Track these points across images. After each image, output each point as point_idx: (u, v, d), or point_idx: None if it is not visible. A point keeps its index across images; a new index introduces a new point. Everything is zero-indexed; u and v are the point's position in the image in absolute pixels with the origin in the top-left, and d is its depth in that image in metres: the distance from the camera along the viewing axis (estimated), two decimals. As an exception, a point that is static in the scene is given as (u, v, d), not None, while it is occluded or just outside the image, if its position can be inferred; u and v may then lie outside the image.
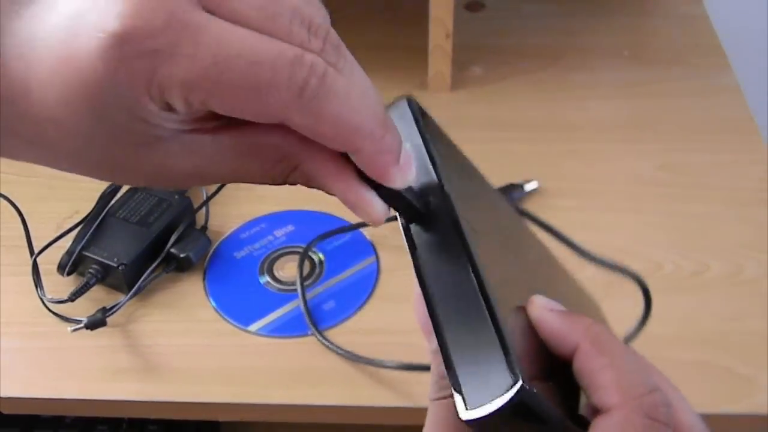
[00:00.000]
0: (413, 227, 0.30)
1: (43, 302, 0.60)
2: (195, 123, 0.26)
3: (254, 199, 0.69)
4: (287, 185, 0.29)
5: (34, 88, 0.25)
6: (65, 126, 0.25)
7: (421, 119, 0.34)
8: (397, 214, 0.30)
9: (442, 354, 0.27)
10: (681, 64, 0.83)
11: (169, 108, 0.25)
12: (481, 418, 0.25)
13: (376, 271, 0.63)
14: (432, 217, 0.30)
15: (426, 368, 0.55)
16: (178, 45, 0.24)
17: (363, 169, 0.27)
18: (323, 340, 0.58)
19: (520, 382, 0.25)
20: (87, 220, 0.63)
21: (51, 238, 0.62)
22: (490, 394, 0.25)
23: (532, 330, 0.29)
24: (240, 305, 0.61)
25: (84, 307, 0.60)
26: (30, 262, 0.61)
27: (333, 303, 0.61)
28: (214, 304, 0.61)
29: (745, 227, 0.66)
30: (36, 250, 0.62)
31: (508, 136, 0.75)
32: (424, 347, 0.57)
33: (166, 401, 0.56)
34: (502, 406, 0.25)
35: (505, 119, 0.77)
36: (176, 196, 0.66)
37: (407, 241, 0.30)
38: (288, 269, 0.63)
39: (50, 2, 0.25)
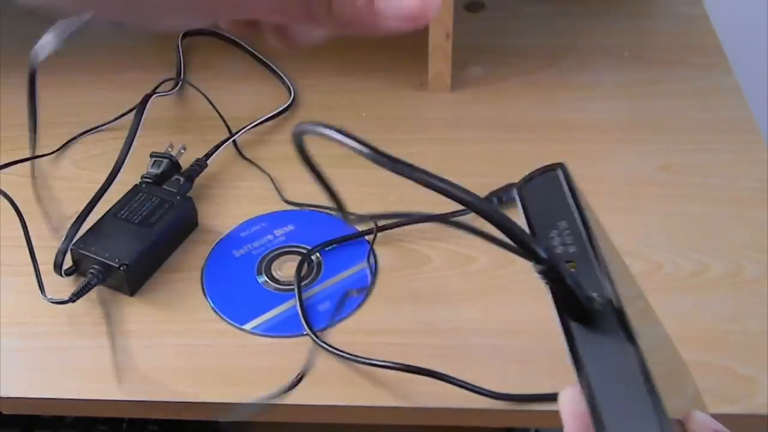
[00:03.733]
0: (572, 322, 0.30)
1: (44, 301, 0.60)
2: None
3: (254, 198, 0.69)
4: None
5: None
6: None
7: (576, 191, 0.33)
8: (555, 308, 0.30)
9: None
10: (681, 64, 0.83)
11: None
12: None
13: (374, 273, 0.63)
14: (596, 316, 0.30)
15: (419, 371, 0.55)
16: None
17: None
18: (318, 341, 0.58)
19: None
20: (77, 218, 0.63)
21: (51, 239, 0.62)
22: None
23: None
24: (237, 303, 0.61)
25: (85, 308, 0.60)
26: (30, 261, 0.62)
27: (329, 303, 0.61)
28: (211, 302, 0.61)
29: (745, 227, 0.66)
30: (36, 250, 0.62)
31: (508, 136, 0.75)
32: (420, 348, 0.57)
33: (166, 401, 0.56)
34: None
35: (505, 119, 0.77)
36: (178, 197, 0.66)
37: (567, 339, 0.30)
38: (286, 269, 0.63)
39: None
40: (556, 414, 0.33)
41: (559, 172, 0.33)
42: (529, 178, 0.34)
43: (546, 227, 0.32)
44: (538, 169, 0.34)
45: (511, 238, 0.29)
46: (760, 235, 0.65)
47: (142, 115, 0.70)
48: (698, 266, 0.63)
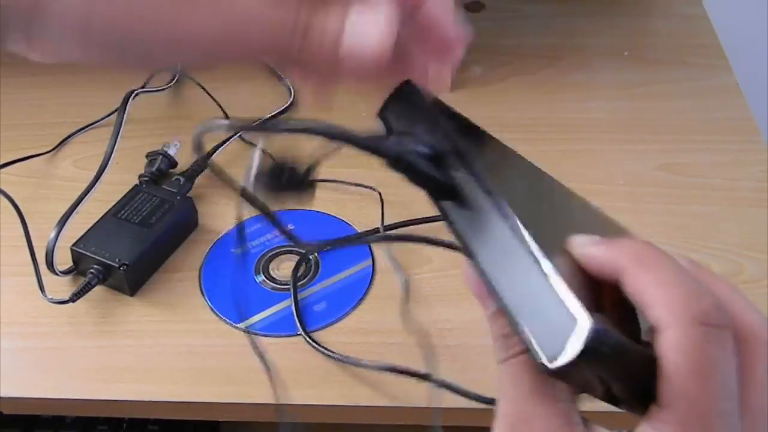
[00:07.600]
0: (445, 203, 0.32)
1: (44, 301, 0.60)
2: None
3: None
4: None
5: None
6: None
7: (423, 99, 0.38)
8: (426, 192, 0.32)
9: (506, 315, 0.28)
10: (681, 64, 0.83)
11: None
12: (565, 365, 0.25)
13: (371, 274, 0.63)
14: (459, 187, 0.32)
15: (408, 372, 0.55)
16: None
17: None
18: (311, 342, 0.58)
19: (591, 324, 0.25)
20: (63, 216, 0.63)
21: (51, 238, 0.62)
22: (566, 340, 0.25)
23: (582, 270, 0.29)
24: (233, 302, 0.61)
25: (85, 308, 0.60)
26: (30, 262, 0.61)
27: (324, 304, 0.61)
28: (208, 300, 0.61)
29: (745, 227, 0.66)
30: (36, 250, 0.62)
31: (508, 136, 0.74)
32: (414, 349, 0.57)
33: (166, 401, 0.56)
34: (585, 347, 0.25)
35: (505, 119, 0.77)
36: (178, 197, 0.66)
37: (443, 216, 0.32)
38: (284, 268, 0.63)
39: None
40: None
41: (408, 89, 0.37)
42: (384, 107, 0.37)
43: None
44: (389, 98, 0.38)
45: (354, 145, 0.32)
46: (760, 235, 0.65)
47: (125, 110, 0.70)
48: (698, 266, 0.63)
